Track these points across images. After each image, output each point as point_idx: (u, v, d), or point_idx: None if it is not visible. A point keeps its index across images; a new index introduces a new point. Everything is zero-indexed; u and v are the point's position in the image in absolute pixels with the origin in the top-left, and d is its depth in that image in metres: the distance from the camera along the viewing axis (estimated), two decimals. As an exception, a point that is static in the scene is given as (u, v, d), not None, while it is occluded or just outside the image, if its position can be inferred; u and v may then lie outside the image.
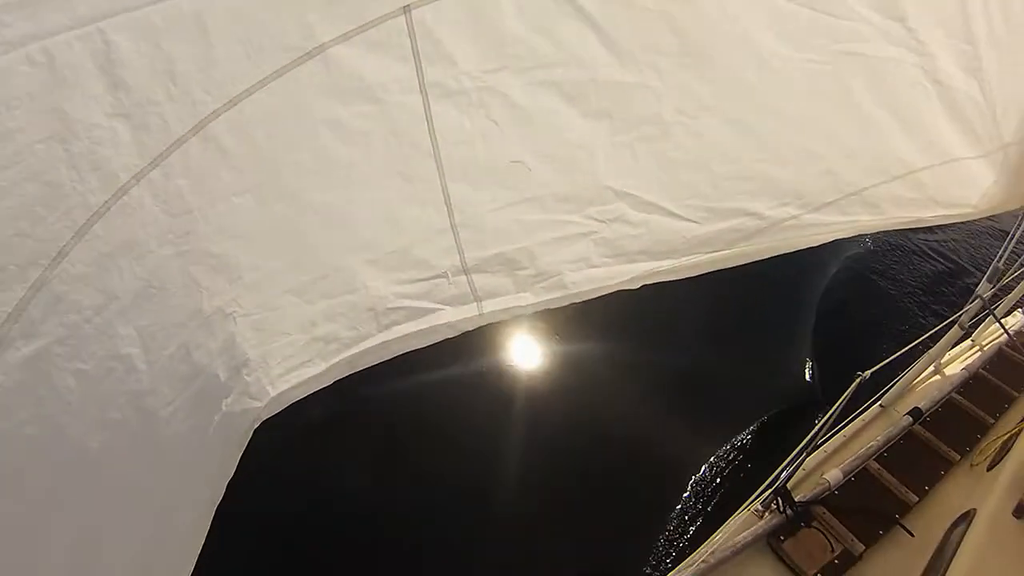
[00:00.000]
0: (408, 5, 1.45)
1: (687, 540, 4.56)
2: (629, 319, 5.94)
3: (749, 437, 5.58)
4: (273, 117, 1.43)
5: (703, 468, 5.21)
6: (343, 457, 4.89)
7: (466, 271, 1.87)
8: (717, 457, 5.32)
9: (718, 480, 5.11)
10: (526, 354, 5.96)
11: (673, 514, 4.78)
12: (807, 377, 6.50)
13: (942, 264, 9.04)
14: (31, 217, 1.22)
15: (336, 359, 1.76)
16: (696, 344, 6.27)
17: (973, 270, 8.81)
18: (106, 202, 1.29)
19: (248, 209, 1.49)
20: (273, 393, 1.67)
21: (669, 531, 4.66)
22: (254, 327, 1.60)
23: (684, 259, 2.13)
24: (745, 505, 2.86)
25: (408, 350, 1.86)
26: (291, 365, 1.69)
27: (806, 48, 2.01)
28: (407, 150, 1.62)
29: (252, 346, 1.61)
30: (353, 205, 1.63)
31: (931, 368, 4.53)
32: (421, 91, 1.55)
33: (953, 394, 4.19)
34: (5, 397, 1.25)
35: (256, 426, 1.67)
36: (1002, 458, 3.31)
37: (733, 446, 5.45)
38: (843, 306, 7.61)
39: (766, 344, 6.72)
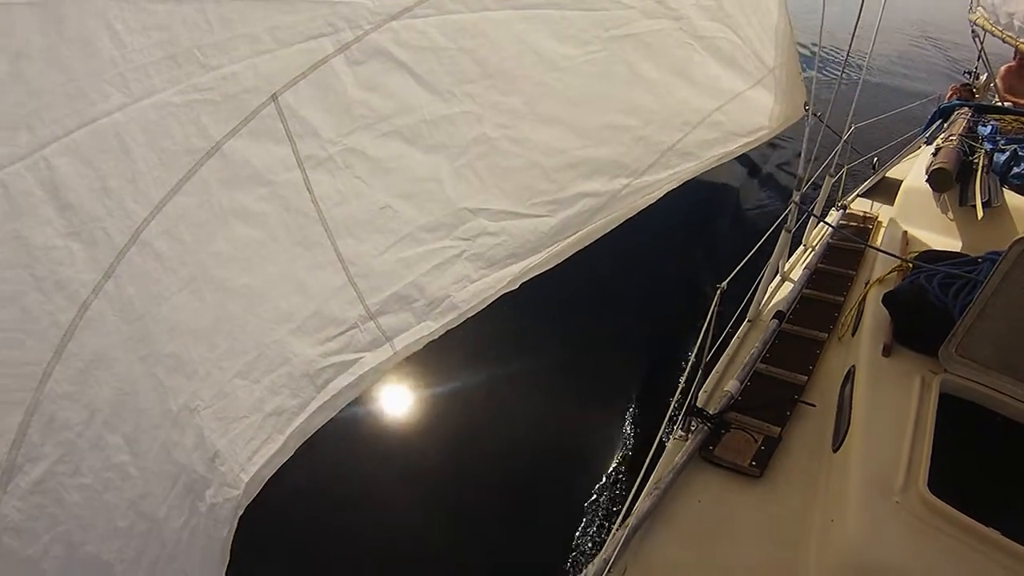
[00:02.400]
0: (275, 93, 1.63)
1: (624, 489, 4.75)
2: (488, 342, 6.01)
3: (640, 391, 5.90)
4: (191, 215, 1.55)
5: (618, 428, 5.46)
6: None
7: (372, 316, 2.03)
8: (625, 416, 5.59)
9: (631, 432, 5.40)
10: (398, 398, 5.86)
11: (601, 483, 4.96)
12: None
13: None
14: (13, 343, 1.27)
15: (290, 429, 1.87)
16: (558, 339, 6.50)
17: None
18: (73, 319, 1.36)
19: (187, 305, 1.59)
20: (246, 479, 1.77)
21: (605, 496, 4.84)
22: (216, 417, 1.69)
23: (548, 250, 2.37)
24: (663, 431, 3.16)
25: (346, 403, 2.00)
26: (254, 447, 1.79)
27: (585, 43, 2.32)
28: (300, 220, 1.78)
29: (218, 436, 1.70)
30: (268, 282, 1.76)
31: (778, 278, 5.10)
32: (299, 166, 1.74)
33: (804, 290, 4.76)
34: (28, 523, 1.29)
35: (240, 512, 1.76)
36: (859, 322, 3.84)
37: (630, 404, 5.74)
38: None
39: (622, 316, 7.02)
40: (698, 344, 3.23)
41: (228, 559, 1.76)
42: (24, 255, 1.29)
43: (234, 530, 1.77)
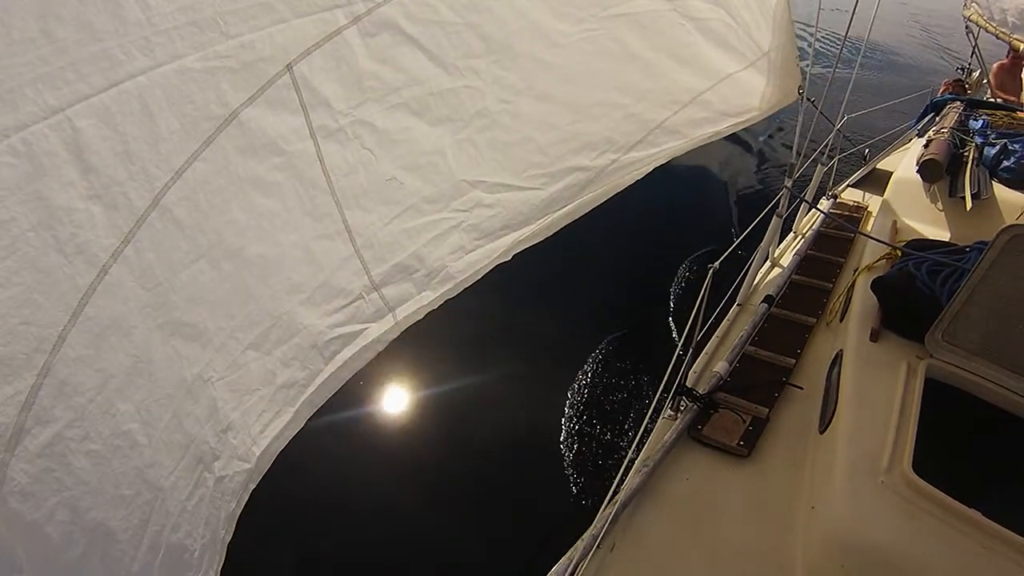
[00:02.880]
0: (290, 63, 1.64)
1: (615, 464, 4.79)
2: (475, 324, 6.01)
3: (630, 370, 5.91)
4: (210, 182, 1.56)
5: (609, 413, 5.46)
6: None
7: (376, 287, 2.06)
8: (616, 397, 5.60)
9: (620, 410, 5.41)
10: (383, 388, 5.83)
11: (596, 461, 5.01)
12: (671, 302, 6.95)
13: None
14: (31, 305, 1.26)
15: (300, 402, 1.89)
16: (547, 319, 6.51)
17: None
18: (92, 283, 1.35)
19: (205, 274, 1.60)
20: (258, 452, 1.78)
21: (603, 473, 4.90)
22: (229, 388, 1.70)
23: (539, 222, 2.41)
24: (653, 412, 3.18)
25: (353, 374, 2.02)
26: (266, 420, 1.81)
27: (582, 21, 2.36)
28: (311, 191, 1.80)
29: (232, 408, 1.71)
30: (281, 253, 1.78)
31: (768, 263, 5.14)
32: (312, 136, 1.75)
33: (793, 276, 4.80)
34: (35, 486, 1.28)
35: (252, 487, 1.77)
36: (847, 308, 3.87)
37: (620, 384, 5.76)
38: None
39: (612, 296, 7.03)
40: (688, 325, 3.24)
41: (231, 534, 1.76)
42: (46, 216, 1.28)
43: (243, 504, 1.77)
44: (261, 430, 1.81)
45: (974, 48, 8.75)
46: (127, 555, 1.47)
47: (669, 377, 3.23)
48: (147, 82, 1.40)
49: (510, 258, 2.36)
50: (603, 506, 2.91)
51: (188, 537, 1.62)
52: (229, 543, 1.76)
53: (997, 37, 7.81)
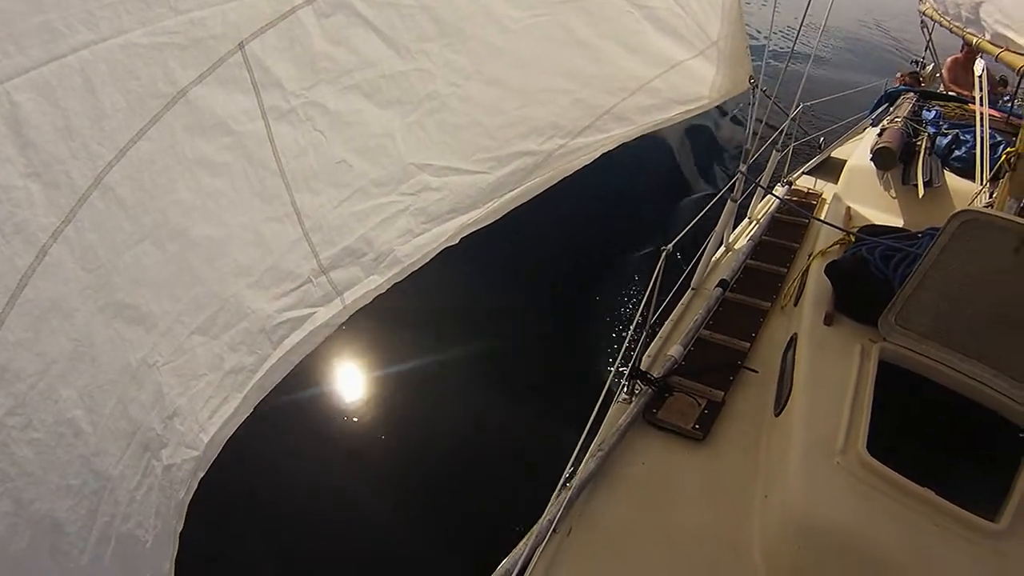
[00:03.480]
0: (243, 41, 1.61)
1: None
2: (428, 311, 6.01)
3: (583, 354, 5.98)
4: (155, 162, 1.51)
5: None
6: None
7: (324, 271, 2.02)
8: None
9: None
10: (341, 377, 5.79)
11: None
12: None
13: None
14: None
15: (248, 387, 1.85)
16: (501, 304, 6.54)
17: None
18: (31, 264, 1.31)
19: (149, 255, 1.54)
20: (206, 439, 1.73)
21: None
22: (175, 374, 1.65)
23: (486, 206, 2.39)
24: (607, 396, 3.18)
25: (301, 358, 1.98)
26: (214, 406, 1.75)
27: (533, 7, 2.35)
28: (260, 172, 1.76)
29: (177, 394, 1.65)
30: (229, 235, 1.73)
31: (723, 248, 5.21)
32: (263, 117, 1.72)
33: (748, 260, 4.86)
34: None
35: (201, 476, 1.72)
36: (801, 292, 3.92)
37: (574, 367, 5.84)
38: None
39: (565, 279, 7.05)
40: (641, 307, 3.24)
41: (182, 523, 1.71)
42: None
43: (192, 492, 1.72)
44: (209, 416, 1.76)
45: (928, 42, 8.91)
46: (76, 547, 1.42)
47: (623, 361, 3.24)
48: (91, 56, 1.35)
49: (457, 242, 2.34)
50: (557, 491, 2.92)
51: (139, 527, 1.57)
52: (182, 535, 1.72)
53: (951, 31, 7.95)
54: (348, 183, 2.01)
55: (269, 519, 4.51)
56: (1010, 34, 5.96)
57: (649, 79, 2.86)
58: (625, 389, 3.49)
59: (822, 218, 4.75)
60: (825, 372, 3.04)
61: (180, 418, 1.67)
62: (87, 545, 1.44)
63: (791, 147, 6.29)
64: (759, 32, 10.89)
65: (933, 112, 5.53)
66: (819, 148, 7.03)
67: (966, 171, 4.79)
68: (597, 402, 2.99)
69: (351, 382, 5.73)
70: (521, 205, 2.49)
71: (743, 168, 4.31)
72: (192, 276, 1.67)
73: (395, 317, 5.65)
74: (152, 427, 1.60)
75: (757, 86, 3.68)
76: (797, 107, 5.89)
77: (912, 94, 6.19)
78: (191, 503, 1.74)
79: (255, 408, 1.89)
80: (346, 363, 5.81)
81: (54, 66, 1.30)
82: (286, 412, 4.89)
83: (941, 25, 8.23)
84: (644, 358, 3.73)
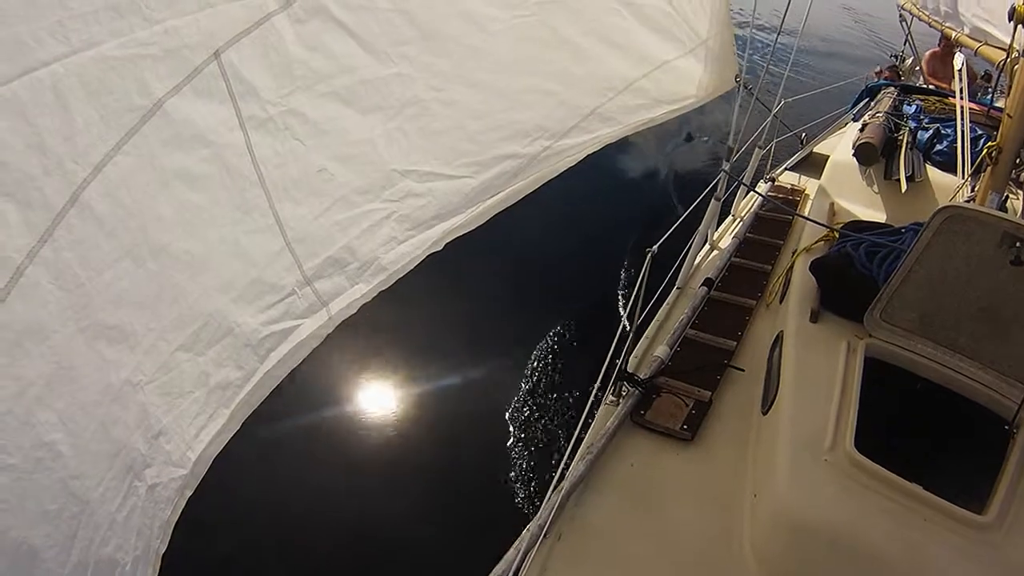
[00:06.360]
0: (218, 50, 1.57)
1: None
2: (414, 315, 6.04)
3: (569, 356, 5.97)
4: (133, 177, 1.48)
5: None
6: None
7: (308, 282, 2.00)
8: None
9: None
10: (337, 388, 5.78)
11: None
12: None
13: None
14: None
15: (235, 403, 1.83)
16: (487, 307, 6.57)
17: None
18: (6, 286, 1.27)
19: (129, 273, 1.51)
20: (194, 457, 1.71)
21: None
22: (160, 392, 1.62)
23: (471, 211, 2.37)
24: (595, 398, 3.18)
25: (288, 372, 1.96)
26: (201, 423, 1.73)
27: (514, 7, 2.33)
28: (240, 183, 1.73)
29: (163, 412, 1.63)
30: (210, 249, 1.70)
31: (707, 247, 5.19)
32: (241, 127, 1.68)
33: (732, 258, 4.86)
34: None
35: (189, 494, 1.70)
36: (786, 290, 3.93)
37: (560, 370, 5.81)
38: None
39: (550, 281, 7.08)
40: (627, 309, 3.24)
41: (166, 543, 1.68)
42: None
43: (180, 511, 1.70)
44: (196, 434, 1.73)
45: (907, 36, 8.98)
46: (52, 573, 1.39)
47: (610, 362, 3.23)
48: (62, 70, 1.31)
49: (442, 248, 2.32)
50: (548, 495, 2.90)
51: (119, 550, 1.54)
52: (171, 547, 1.69)
53: (930, 25, 8.01)
54: (330, 192, 1.98)
55: (245, 525, 4.51)
56: (989, 28, 6.02)
57: (635, 79, 2.85)
58: (612, 391, 3.47)
59: (806, 215, 4.76)
60: (811, 369, 3.05)
61: (166, 437, 1.65)
62: (64, 571, 1.41)
63: (774, 143, 6.29)
64: (740, 29, 10.92)
65: (914, 107, 5.56)
66: (801, 144, 7.06)
67: (948, 165, 4.80)
68: (586, 405, 2.98)
69: (339, 389, 5.71)
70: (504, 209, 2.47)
71: (726, 167, 4.31)
72: (174, 292, 1.64)
73: (372, 323, 5.63)
74: (136, 447, 1.57)
75: (742, 84, 3.68)
76: (779, 103, 5.91)
77: (892, 89, 6.21)
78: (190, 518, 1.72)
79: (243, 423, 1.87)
80: (333, 372, 5.78)
81: (24, 80, 1.26)
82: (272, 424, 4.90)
83: (920, 19, 8.30)
84: (631, 359, 3.72)
